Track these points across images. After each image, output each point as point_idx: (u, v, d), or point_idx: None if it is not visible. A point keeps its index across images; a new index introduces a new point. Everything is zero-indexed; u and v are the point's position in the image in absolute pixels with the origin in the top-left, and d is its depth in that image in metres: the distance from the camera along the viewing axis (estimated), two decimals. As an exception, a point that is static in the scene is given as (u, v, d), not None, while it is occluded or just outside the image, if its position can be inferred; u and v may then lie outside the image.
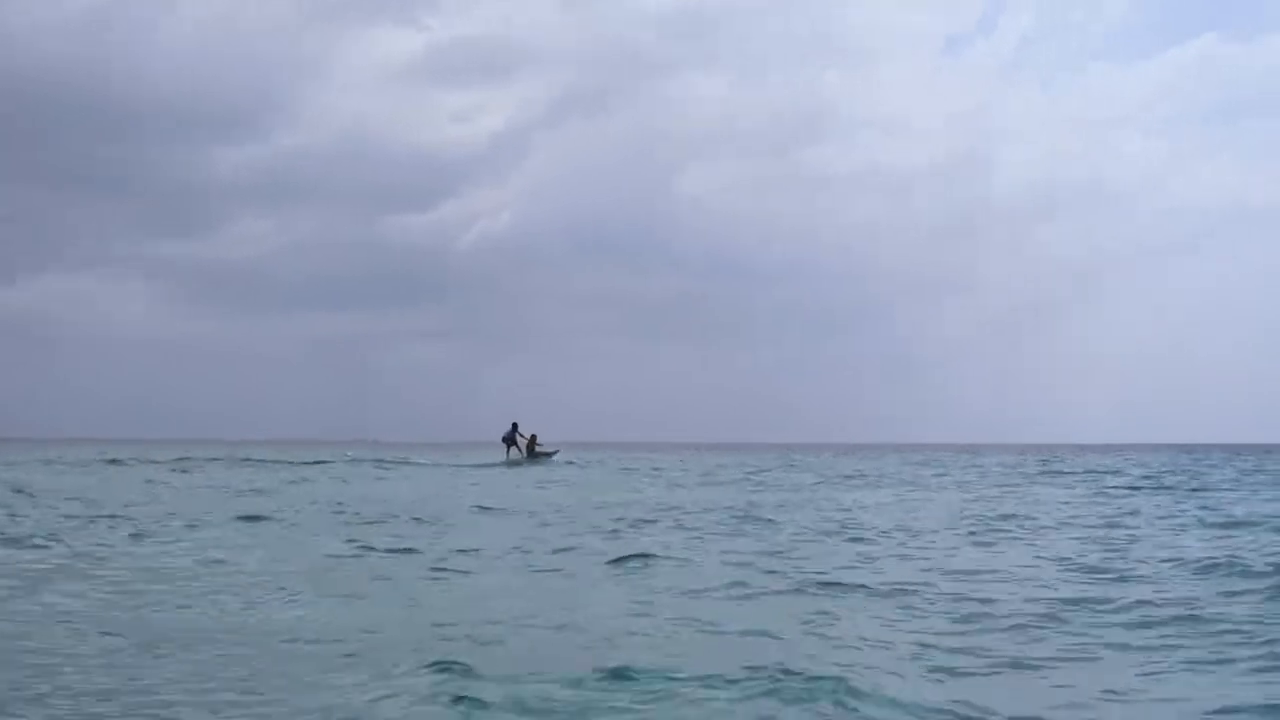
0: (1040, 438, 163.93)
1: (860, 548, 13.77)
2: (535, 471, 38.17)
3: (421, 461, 46.05)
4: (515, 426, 45.20)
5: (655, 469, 43.67)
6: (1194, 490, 26.73)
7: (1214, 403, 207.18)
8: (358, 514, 18.47)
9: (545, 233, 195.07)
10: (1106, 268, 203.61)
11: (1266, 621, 8.30)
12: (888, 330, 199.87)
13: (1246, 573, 10.84)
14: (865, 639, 7.73)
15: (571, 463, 44.60)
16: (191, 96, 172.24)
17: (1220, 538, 14.66)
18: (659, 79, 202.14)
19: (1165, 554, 12.73)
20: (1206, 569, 11.25)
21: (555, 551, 13.10)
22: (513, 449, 44.66)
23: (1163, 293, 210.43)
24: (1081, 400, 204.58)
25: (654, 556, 12.11)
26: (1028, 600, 9.36)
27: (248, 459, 45.16)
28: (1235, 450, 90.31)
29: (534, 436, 45.09)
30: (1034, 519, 18.26)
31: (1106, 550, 13.33)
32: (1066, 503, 22.79)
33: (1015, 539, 15.15)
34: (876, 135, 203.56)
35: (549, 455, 45.06)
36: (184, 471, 35.13)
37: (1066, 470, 41.43)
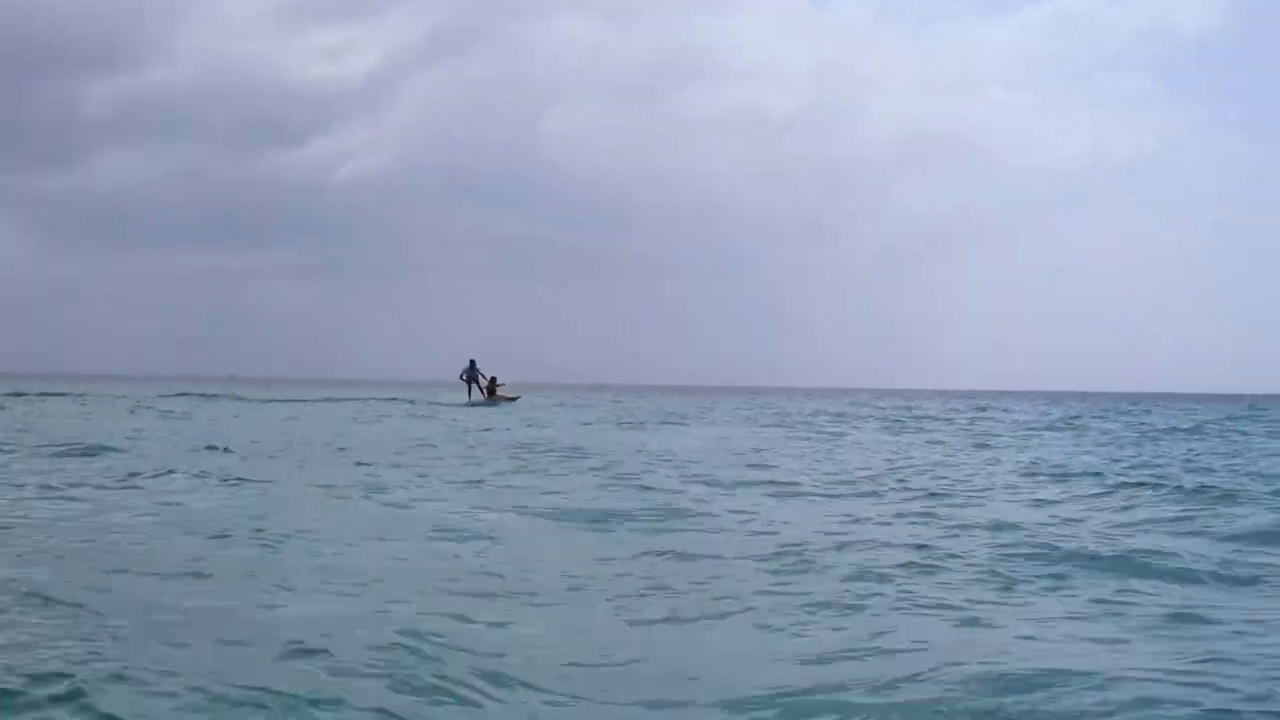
0: (904, 383, 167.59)
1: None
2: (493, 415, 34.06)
3: (408, 399, 44.32)
4: (473, 364, 42.97)
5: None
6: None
7: (1075, 353, 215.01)
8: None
9: (417, 171, 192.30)
10: (971, 219, 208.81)
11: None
12: (753, 276, 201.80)
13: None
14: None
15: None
16: (63, 30, 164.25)
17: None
18: (531, 20, 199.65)
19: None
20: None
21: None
22: (474, 388, 42.59)
23: (1027, 244, 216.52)
24: (941, 348, 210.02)
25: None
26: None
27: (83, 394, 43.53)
28: (1088, 397, 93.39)
29: (494, 379, 43.02)
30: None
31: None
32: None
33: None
34: (745, 82, 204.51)
35: (511, 399, 42.57)
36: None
37: (864, 414, 41.57)
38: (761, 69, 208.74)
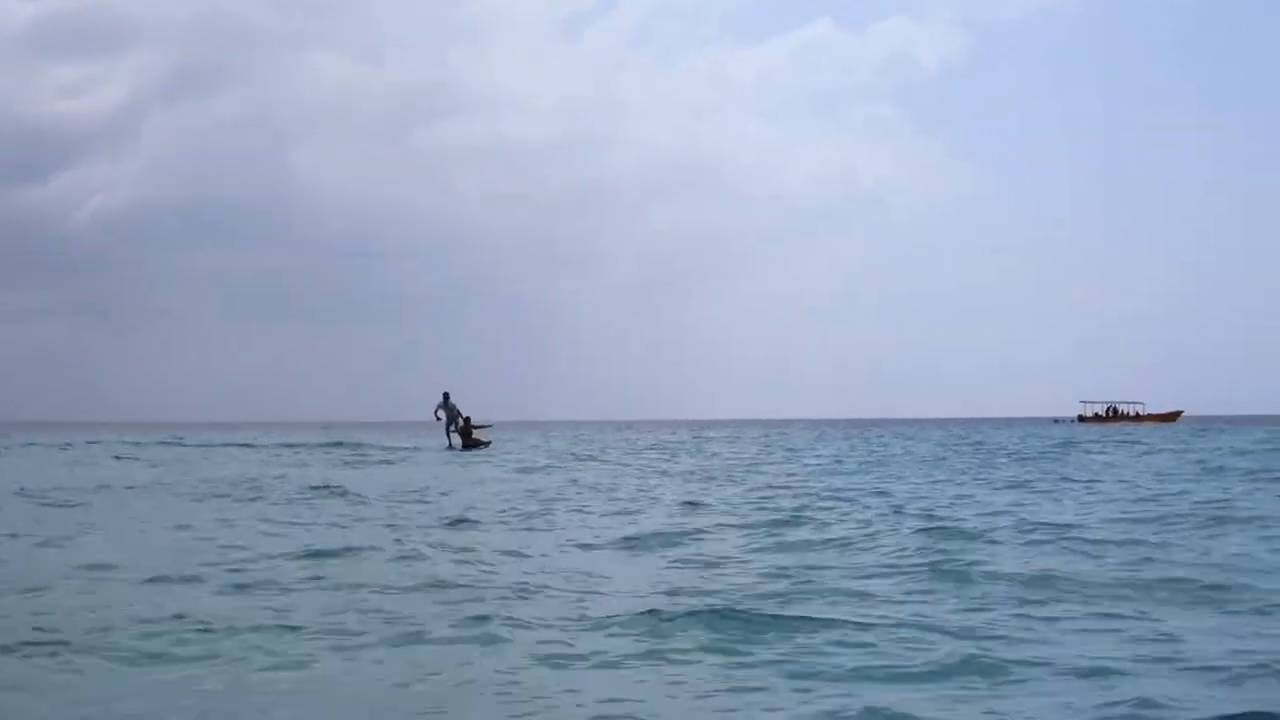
0: (654, 414, 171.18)
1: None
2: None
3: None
4: (448, 398, 35.87)
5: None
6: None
7: (827, 382, 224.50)
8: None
9: (161, 210, 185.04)
10: (719, 248, 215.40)
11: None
12: (504, 307, 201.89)
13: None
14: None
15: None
16: None
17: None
18: (279, 57, 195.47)
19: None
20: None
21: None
22: (454, 433, 35.75)
23: (774, 273, 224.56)
24: (691, 378, 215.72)
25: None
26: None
27: None
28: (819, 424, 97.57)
29: (469, 419, 35.96)
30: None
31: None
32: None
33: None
34: (496, 113, 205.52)
35: (485, 444, 35.78)
36: None
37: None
38: (513, 100, 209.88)
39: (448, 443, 35.90)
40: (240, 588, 7.97)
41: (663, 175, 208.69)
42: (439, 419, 35.84)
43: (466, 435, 35.69)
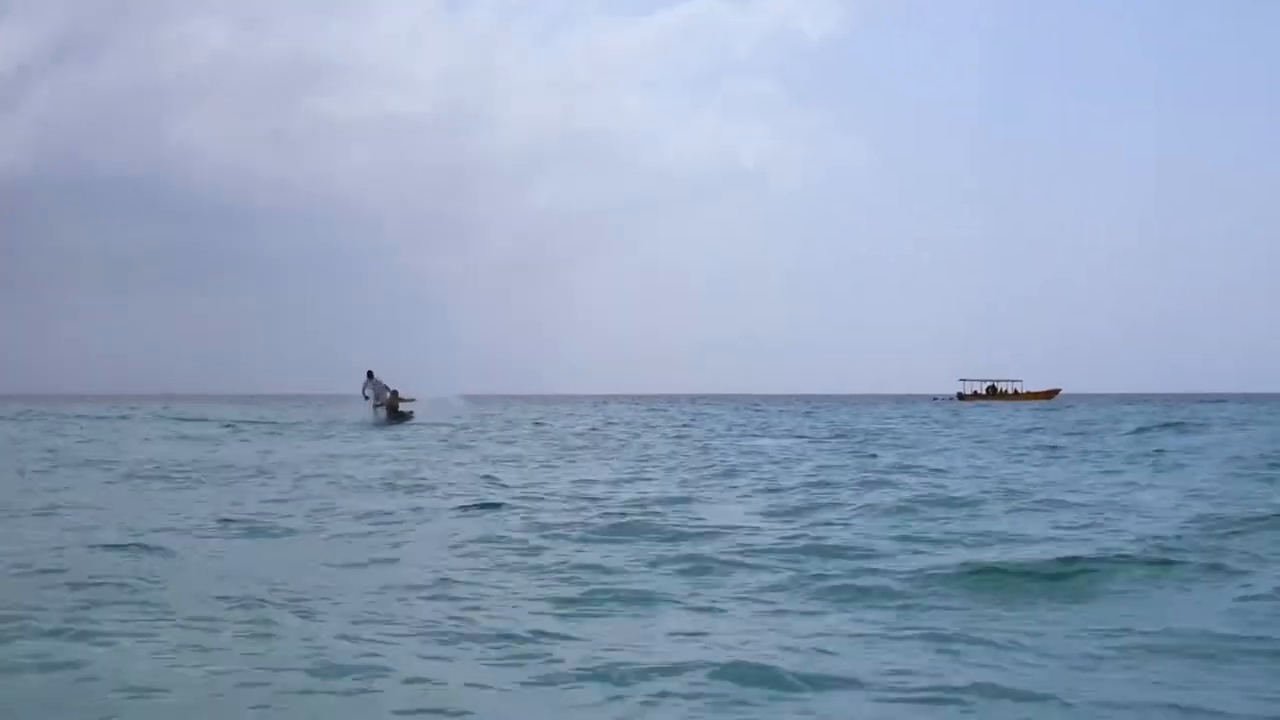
0: (530, 389, 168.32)
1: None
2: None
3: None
4: (372, 375, 36.17)
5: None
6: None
7: (705, 357, 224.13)
8: None
9: (33, 181, 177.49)
10: (599, 222, 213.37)
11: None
12: (379, 279, 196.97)
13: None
14: None
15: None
16: None
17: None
18: (158, 26, 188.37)
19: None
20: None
21: None
22: (380, 407, 35.69)
23: (654, 248, 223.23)
24: (571, 353, 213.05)
25: None
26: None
27: None
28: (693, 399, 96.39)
29: (395, 392, 36.19)
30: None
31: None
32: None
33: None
34: (376, 86, 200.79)
35: (409, 417, 36.04)
36: None
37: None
38: (393, 73, 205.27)
39: (373, 417, 35.41)
40: None
41: (542, 149, 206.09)
42: (366, 397, 35.94)
43: (393, 409, 35.78)
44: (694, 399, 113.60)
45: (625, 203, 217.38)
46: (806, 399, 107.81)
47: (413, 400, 36.60)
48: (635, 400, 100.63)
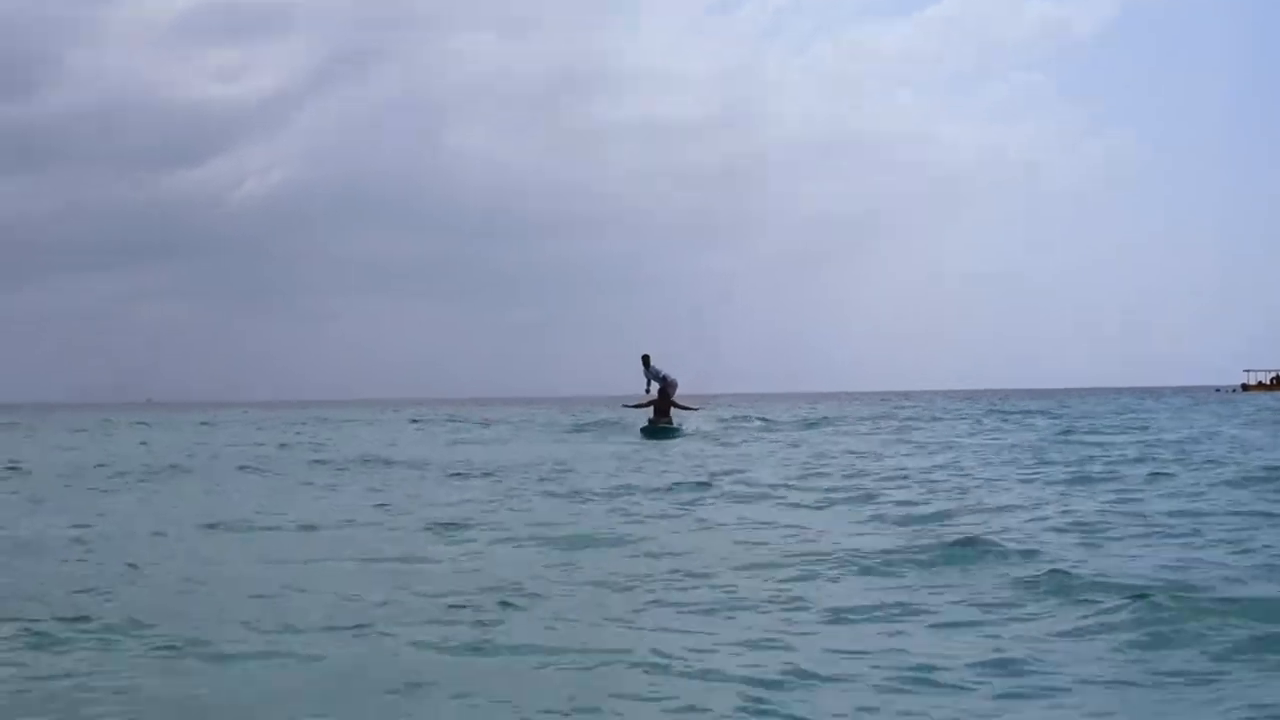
0: (806, 387, 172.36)
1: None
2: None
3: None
4: (648, 361, 26.03)
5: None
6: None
7: (985, 351, 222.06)
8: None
9: (315, 191, 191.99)
10: (873, 220, 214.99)
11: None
12: (658, 283, 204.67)
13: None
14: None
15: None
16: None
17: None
18: (430, 38, 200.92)
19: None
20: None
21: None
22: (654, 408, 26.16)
23: (925, 242, 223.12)
24: (848, 349, 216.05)
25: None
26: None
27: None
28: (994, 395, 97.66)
29: (674, 384, 26.23)
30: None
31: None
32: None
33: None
34: (647, 90, 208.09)
35: (676, 431, 25.89)
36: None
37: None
38: (664, 76, 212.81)
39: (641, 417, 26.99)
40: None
41: (813, 148, 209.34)
42: (648, 393, 26.36)
43: (664, 410, 26.31)
44: (951, 394, 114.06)
45: (896, 200, 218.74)
46: (1077, 393, 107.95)
47: (695, 410, 27.44)
48: (905, 397, 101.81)
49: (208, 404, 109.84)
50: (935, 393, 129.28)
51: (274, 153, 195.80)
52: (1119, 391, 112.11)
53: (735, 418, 34.20)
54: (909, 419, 35.63)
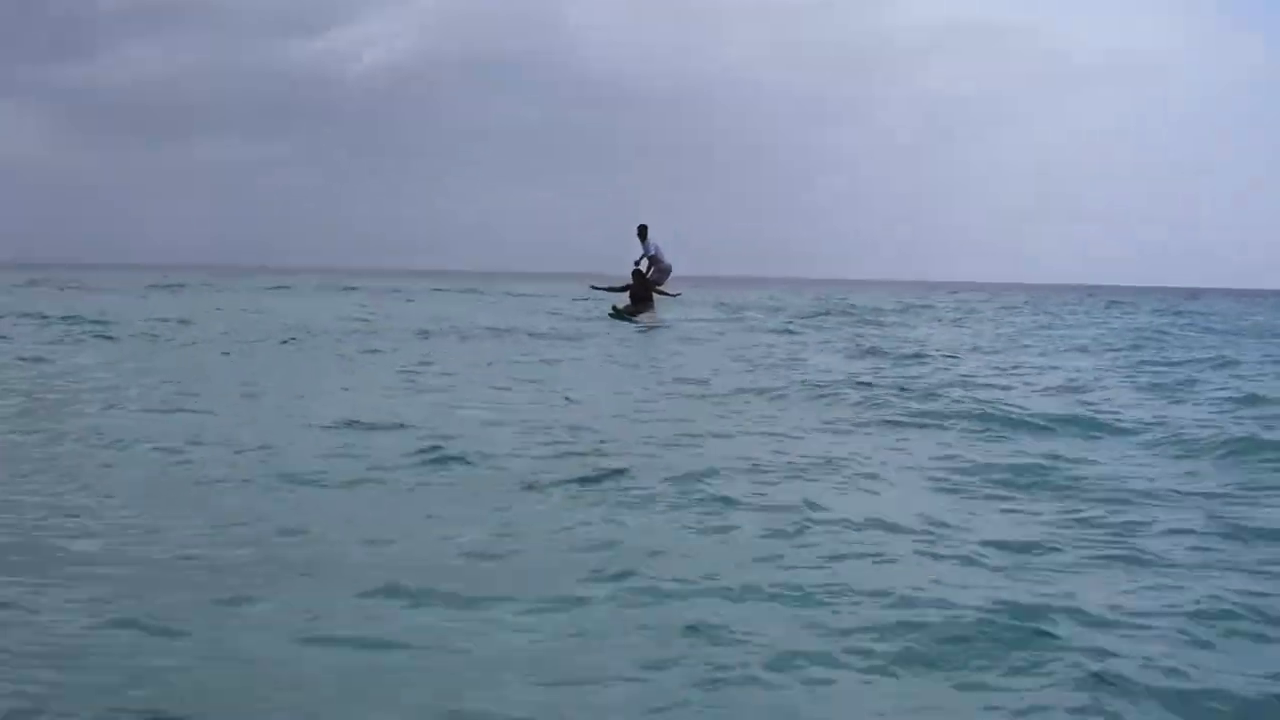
0: (919, 274, 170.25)
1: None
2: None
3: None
4: (644, 231, 22.48)
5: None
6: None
7: (1087, 242, 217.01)
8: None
9: (438, 62, 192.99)
10: (992, 105, 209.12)
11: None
12: (773, 162, 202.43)
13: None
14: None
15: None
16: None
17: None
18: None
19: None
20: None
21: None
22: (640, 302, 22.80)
23: (1047, 133, 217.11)
24: (963, 238, 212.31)
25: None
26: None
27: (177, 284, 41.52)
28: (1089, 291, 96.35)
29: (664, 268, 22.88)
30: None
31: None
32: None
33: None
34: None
35: (652, 324, 22.15)
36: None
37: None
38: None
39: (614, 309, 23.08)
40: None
41: (939, 31, 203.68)
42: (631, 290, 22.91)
43: (642, 297, 22.69)
44: (1061, 289, 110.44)
45: (1019, 86, 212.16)
46: (1192, 292, 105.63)
47: (677, 295, 23.22)
48: (1026, 290, 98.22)
49: (337, 270, 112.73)
50: (1032, 286, 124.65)
51: (396, 23, 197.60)
52: (1225, 293, 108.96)
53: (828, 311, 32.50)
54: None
